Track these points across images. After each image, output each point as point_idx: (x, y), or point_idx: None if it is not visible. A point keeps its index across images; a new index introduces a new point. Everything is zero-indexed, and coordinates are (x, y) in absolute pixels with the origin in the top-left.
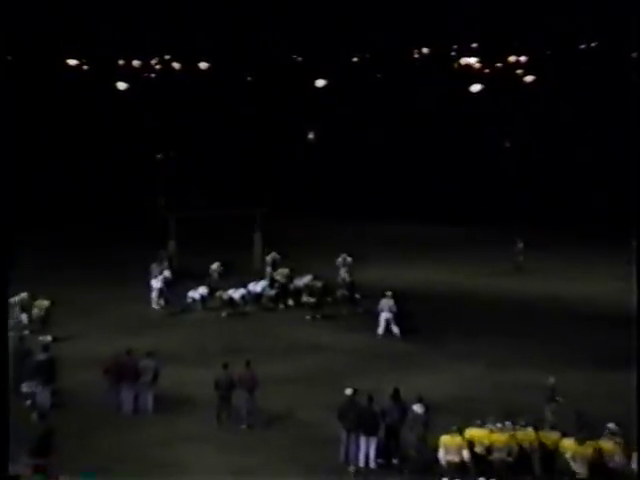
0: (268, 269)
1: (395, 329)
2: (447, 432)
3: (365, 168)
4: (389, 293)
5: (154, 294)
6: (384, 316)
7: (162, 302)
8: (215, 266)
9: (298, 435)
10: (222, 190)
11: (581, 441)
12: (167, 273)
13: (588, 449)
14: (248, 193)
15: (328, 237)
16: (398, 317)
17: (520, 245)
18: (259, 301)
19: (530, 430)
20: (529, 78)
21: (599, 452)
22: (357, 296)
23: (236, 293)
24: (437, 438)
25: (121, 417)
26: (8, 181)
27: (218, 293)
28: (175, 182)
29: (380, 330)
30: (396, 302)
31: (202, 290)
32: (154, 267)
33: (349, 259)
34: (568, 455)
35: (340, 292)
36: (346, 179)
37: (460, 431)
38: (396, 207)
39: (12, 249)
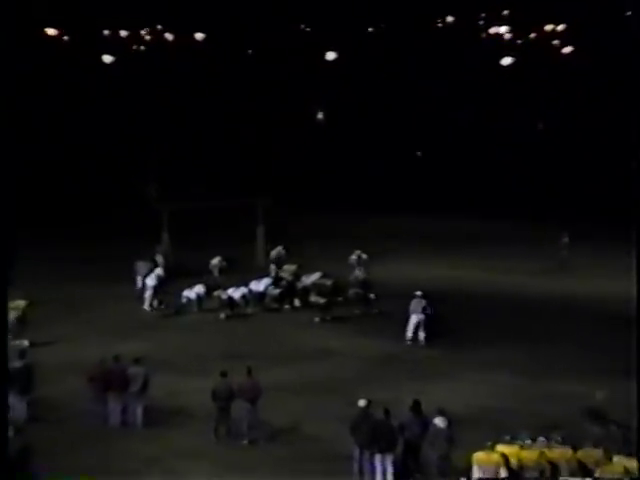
0: (272, 266)
1: (421, 334)
2: (482, 448)
3: (381, 153)
4: (419, 293)
5: (148, 293)
6: (415, 319)
7: (155, 303)
8: (216, 261)
9: (305, 451)
10: (220, 178)
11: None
12: (160, 271)
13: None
14: (250, 181)
15: (339, 230)
16: (430, 321)
17: (565, 239)
18: (262, 301)
19: (566, 447)
20: (567, 50)
21: None
22: (372, 296)
23: (236, 292)
24: (467, 455)
25: (107, 431)
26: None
27: (216, 292)
28: (168, 169)
29: (409, 334)
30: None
31: (198, 289)
32: (140, 265)
33: (364, 256)
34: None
35: (352, 291)
36: (360, 165)
37: (493, 447)
38: (416, 197)
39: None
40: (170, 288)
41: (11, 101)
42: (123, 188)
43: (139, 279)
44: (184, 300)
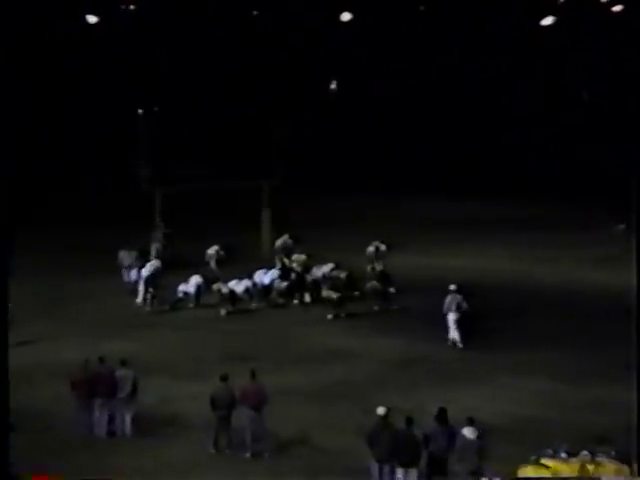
0: (279, 256)
1: (456, 333)
2: (523, 463)
3: (402, 128)
4: (454, 287)
5: (141, 286)
6: (453, 317)
7: (149, 297)
8: (212, 250)
9: (316, 466)
10: (221, 156)
11: None
12: (156, 261)
13: None
14: (254, 160)
15: (355, 216)
16: (466, 318)
17: (621, 226)
18: (268, 296)
19: (617, 463)
20: (617, 8)
21: None
22: (391, 290)
23: (239, 285)
24: (513, 470)
25: (92, 442)
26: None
27: (216, 286)
28: (162, 146)
29: (451, 334)
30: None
31: (196, 282)
32: (123, 255)
33: (383, 248)
34: None
35: (370, 285)
36: (377, 142)
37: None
38: (440, 177)
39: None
40: (164, 281)
41: None
42: (112, 168)
43: (123, 271)
44: (180, 294)
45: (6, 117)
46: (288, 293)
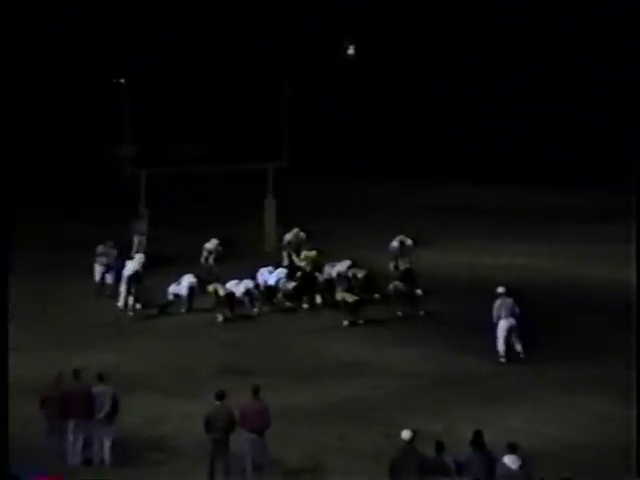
0: (286, 252)
1: (517, 345)
2: None
3: (427, 102)
4: (502, 290)
5: (122, 288)
6: (505, 325)
7: (131, 299)
8: (211, 245)
9: None
10: (218, 134)
11: None
12: (141, 257)
13: None
14: (257, 139)
15: (372, 205)
16: (523, 325)
17: None
18: (272, 298)
19: None
20: None
21: None
22: (418, 291)
23: (239, 286)
24: None
25: (65, 471)
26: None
27: (212, 287)
28: (147, 121)
29: (501, 346)
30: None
31: (189, 282)
32: (100, 249)
33: (409, 242)
34: None
35: (393, 286)
36: (398, 119)
37: None
38: (470, 161)
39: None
40: (150, 281)
41: None
42: (88, 148)
43: (98, 269)
44: (170, 297)
45: None
46: (296, 296)
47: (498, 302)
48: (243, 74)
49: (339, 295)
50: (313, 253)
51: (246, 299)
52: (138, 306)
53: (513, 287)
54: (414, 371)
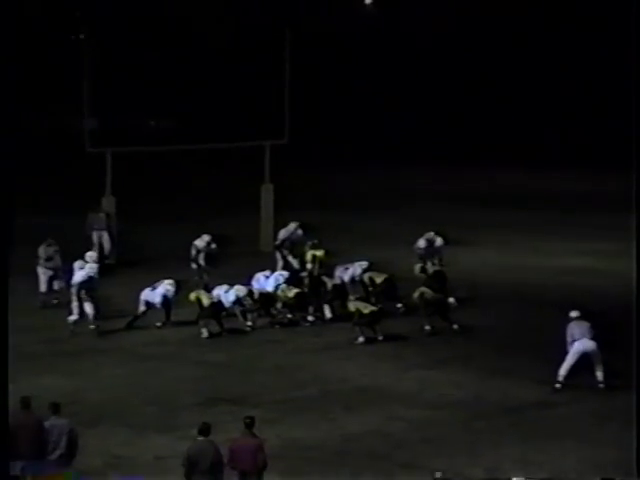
0: (286, 251)
1: (599, 373)
2: None
3: (448, 74)
4: (576, 314)
5: (74, 296)
6: (580, 347)
7: (90, 310)
8: (201, 242)
9: None
10: (202, 105)
11: None
12: (93, 254)
13: None
14: (250, 110)
15: (391, 193)
16: (602, 352)
17: None
18: (270, 309)
19: None
20: None
21: None
22: (451, 300)
23: (228, 294)
24: None
25: None
26: None
27: (194, 294)
28: (113, 88)
29: (564, 369)
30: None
31: (164, 289)
32: (43, 251)
33: (439, 241)
34: None
35: (419, 293)
36: (426, 88)
37: None
38: (499, 142)
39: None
40: (116, 288)
41: None
42: (42, 118)
43: (43, 274)
44: (142, 307)
45: None
46: (299, 305)
47: (573, 324)
48: (231, 27)
49: (352, 305)
50: (321, 252)
51: (237, 310)
52: (96, 322)
53: (569, 296)
54: (445, 400)
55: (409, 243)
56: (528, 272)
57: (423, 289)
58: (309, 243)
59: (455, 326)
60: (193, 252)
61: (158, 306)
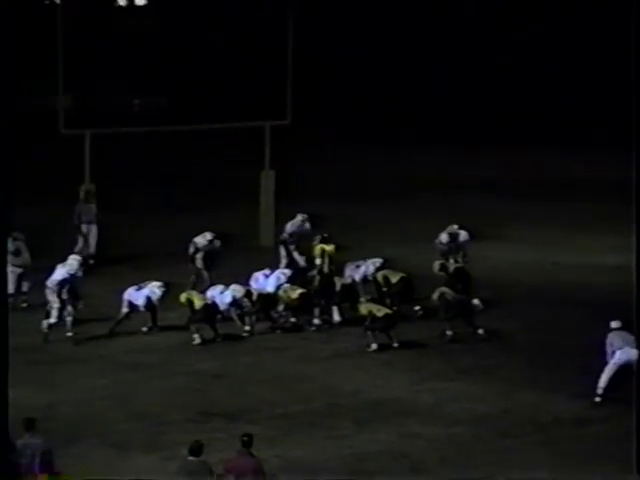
0: (292, 247)
1: None
2: None
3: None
4: (617, 324)
5: (52, 297)
6: (622, 357)
7: (69, 314)
8: (202, 240)
9: None
10: (196, 82)
11: None
12: (76, 256)
13: None
14: (249, 90)
15: (407, 181)
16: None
17: None
18: (270, 311)
19: None
20: None
21: None
22: (476, 302)
23: (224, 295)
24: None
25: None
26: None
27: (185, 295)
28: (92, 61)
29: (604, 381)
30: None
31: (151, 290)
32: (10, 246)
33: (464, 235)
34: None
35: (439, 293)
36: (442, 62)
37: None
38: (531, 120)
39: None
40: (99, 288)
41: None
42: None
43: (10, 273)
44: (125, 309)
45: None
46: (304, 307)
47: (613, 335)
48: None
49: (364, 307)
50: (331, 247)
51: (234, 313)
52: (73, 330)
53: (606, 297)
54: (468, 415)
55: (427, 237)
56: (561, 270)
57: (443, 289)
58: (318, 236)
59: (480, 331)
60: (191, 250)
61: (141, 308)
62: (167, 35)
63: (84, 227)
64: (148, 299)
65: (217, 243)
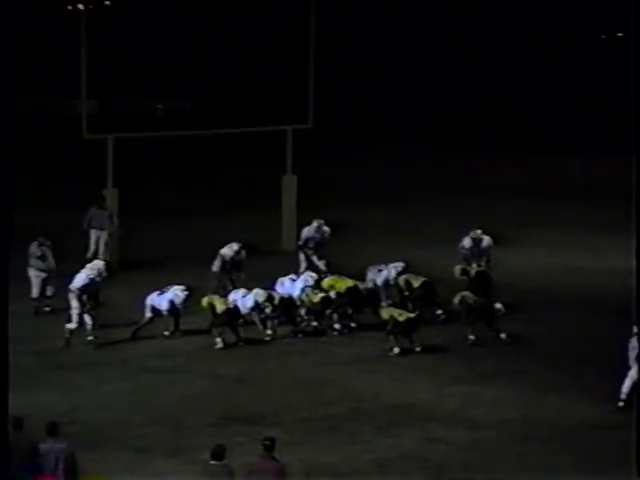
0: (310, 251)
1: None
2: None
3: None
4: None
5: (74, 303)
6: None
7: (89, 320)
8: (229, 251)
9: None
10: (218, 86)
11: None
12: (100, 264)
13: None
14: (271, 94)
15: (428, 184)
16: None
17: None
18: (292, 315)
19: None
20: None
21: None
22: (498, 306)
23: (246, 299)
24: None
25: None
26: None
27: (207, 299)
28: (115, 67)
29: (627, 386)
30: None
31: (173, 294)
32: (34, 250)
33: (487, 239)
34: None
35: (460, 297)
36: (465, 64)
37: None
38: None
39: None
40: (117, 292)
41: None
42: (37, 100)
43: (35, 277)
44: (148, 313)
45: None
46: (323, 311)
47: (634, 340)
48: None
49: (385, 312)
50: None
51: (256, 317)
52: (94, 334)
53: (623, 301)
54: (491, 420)
55: (449, 241)
56: (585, 274)
57: (465, 293)
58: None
59: (503, 335)
60: (218, 262)
61: (164, 313)
62: (190, 40)
63: (94, 232)
64: (171, 303)
65: (244, 254)
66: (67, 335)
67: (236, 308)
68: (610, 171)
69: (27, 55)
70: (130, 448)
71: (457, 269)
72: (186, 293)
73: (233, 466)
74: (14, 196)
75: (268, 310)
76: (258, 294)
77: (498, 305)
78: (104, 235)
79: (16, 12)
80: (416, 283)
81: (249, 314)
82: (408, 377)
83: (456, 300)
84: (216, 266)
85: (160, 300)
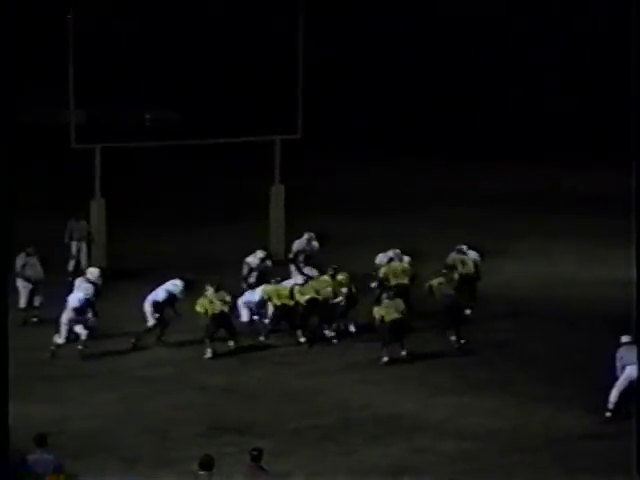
0: (301, 264)
1: None
2: None
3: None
4: (628, 339)
5: (65, 316)
6: (631, 373)
7: (83, 330)
8: (254, 260)
9: None
10: (206, 96)
11: None
12: (96, 273)
13: None
14: (259, 103)
15: (412, 192)
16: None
17: None
18: (292, 320)
19: None
20: None
21: None
22: (467, 312)
23: (254, 293)
24: None
25: None
26: None
27: (201, 303)
28: (103, 76)
29: (614, 396)
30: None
31: (173, 284)
32: (21, 260)
33: (472, 254)
34: None
35: (431, 285)
36: (457, 74)
37: None
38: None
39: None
40: (104, 303)
41: None
42: (23, 111)
43: (23, 288)
44: (151, 320)
45: None
46: (310, 313)
47: (624, 350)
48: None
49: (377, 310)
50: (344, 276)
51: (248, 323)
52: (84, 343)
53: (622, 313)
54: (480, 430)
55: (437, 255)
56: (576, 285)
57: (440, 280)
58: (330, 271)
59: (462, 341)
60: (245, 271)
61: (160, 301)
62: (178, 50)
63: (74, 245)
64: (170, 293)
65: (269, 262)
66: (53, 348)
67: (222, 314)
68: (595, 180)
69: (15, 65)
70: (119, 458)
71: (450, 258)
72: (184, 283)
73: (222, 476)
74: (14, 208)
75: (270, 310)
76: (266, 291)
77: (467, 312)
78: (83, 247)
79: (14, 19)
80: (405, 280)
81: (249, 314)
82: (398, 387)
83: (429, 284)
84: (244, 274)
85: (157, 292)
